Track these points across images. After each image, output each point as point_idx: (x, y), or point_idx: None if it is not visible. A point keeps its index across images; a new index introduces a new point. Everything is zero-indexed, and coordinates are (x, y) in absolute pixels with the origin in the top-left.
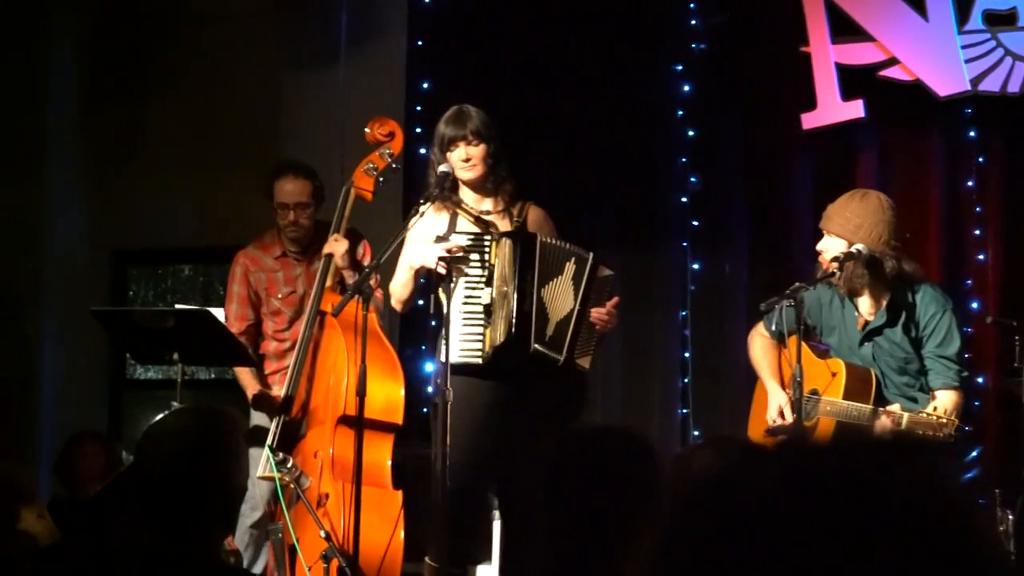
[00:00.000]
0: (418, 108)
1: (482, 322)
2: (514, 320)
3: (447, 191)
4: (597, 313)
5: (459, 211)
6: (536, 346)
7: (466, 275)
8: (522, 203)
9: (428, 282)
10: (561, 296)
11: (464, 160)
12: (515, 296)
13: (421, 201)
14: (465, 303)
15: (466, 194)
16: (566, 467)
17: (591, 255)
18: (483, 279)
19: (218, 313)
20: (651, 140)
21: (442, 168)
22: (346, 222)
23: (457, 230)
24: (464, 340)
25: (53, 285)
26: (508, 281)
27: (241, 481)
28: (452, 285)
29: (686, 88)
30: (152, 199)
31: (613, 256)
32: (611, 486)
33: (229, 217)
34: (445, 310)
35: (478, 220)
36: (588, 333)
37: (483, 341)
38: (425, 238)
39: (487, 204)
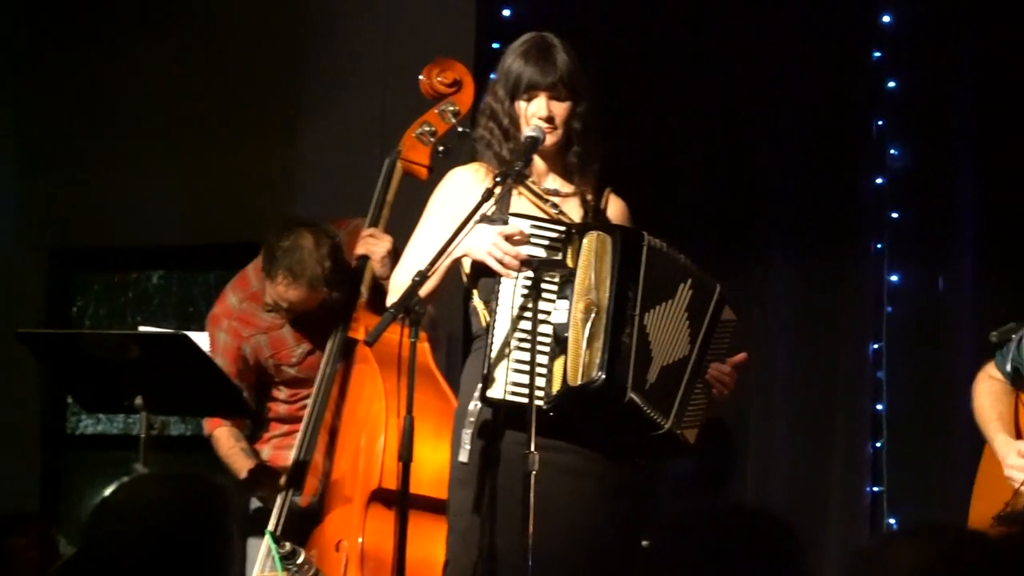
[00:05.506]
0: (494, 46)
1: (549, 350)
2: (607, 354)
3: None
4: (718, 370)
5: (518, 185)
6: (632, 395)
7: (530, 279)
8: (602, 189)
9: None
10: (671, 330)
11: (544, 118)
12: (609, 318)
13: (497, 178)
14: (522, 319)
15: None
16: (670, 560)
17: (718, 286)
18: (553, 288)
19: (200, 339)
20: (834, 95)
21: (530, 132)
22: (388, 209)
23: (512, 210)
24: (517, 372)
25: None
26: (597, 295)
27: None
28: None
29: (886, 19)
30: (109, 180)
31: (775, 263)
32: None
33: (219, 202)
34: (487, 327)
35: (541, 200)
36: (703, 394)
37: (549, 378)
38: (462, 213)
39: (554, 182)
